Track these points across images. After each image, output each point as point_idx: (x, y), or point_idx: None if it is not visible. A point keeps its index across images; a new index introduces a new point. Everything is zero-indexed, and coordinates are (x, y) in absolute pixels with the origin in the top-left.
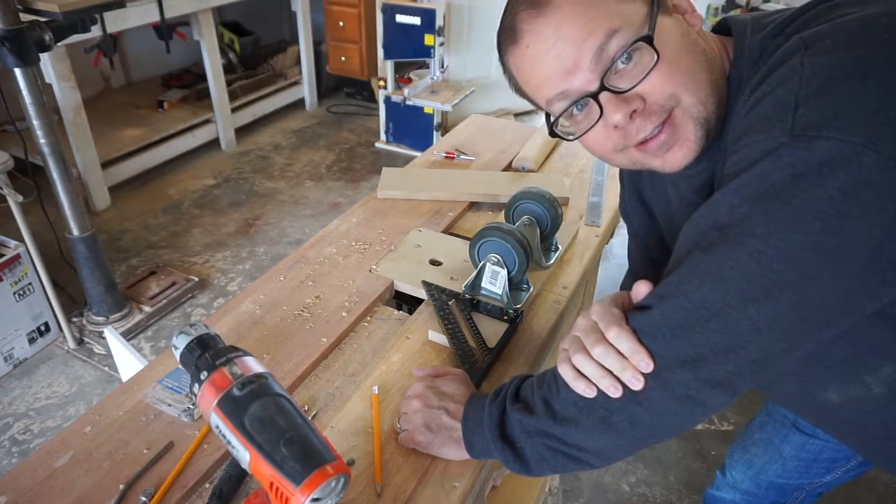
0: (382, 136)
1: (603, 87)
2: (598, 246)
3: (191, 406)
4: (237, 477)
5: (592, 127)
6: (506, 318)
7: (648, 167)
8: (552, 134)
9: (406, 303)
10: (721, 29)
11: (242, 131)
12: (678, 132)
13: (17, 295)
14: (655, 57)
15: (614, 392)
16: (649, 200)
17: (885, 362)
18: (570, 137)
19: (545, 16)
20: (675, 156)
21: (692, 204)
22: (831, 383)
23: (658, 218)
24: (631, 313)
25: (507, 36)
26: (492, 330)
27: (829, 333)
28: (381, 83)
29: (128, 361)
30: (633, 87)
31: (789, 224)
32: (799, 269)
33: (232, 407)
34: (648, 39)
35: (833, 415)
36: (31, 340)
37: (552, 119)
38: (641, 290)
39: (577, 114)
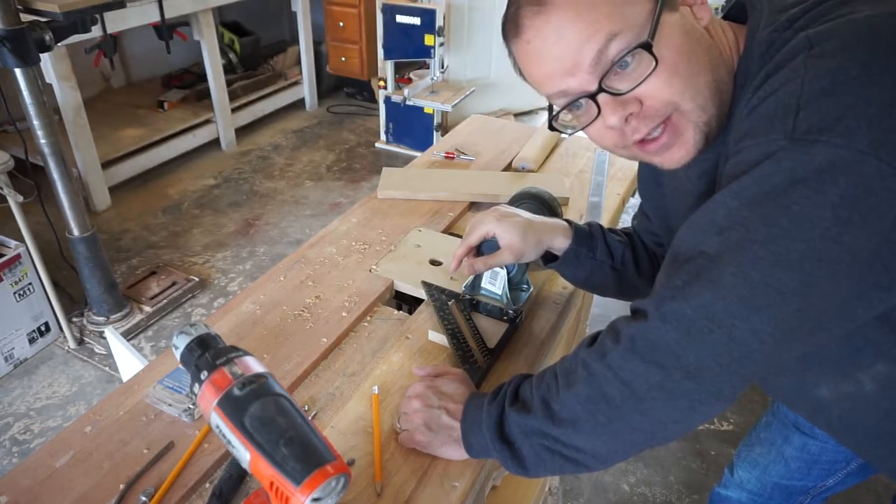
0: (382, 136)
1: (601, 89)
2: None
3: (191, 406)
4: (237, 477)
5: (591, 124)
6: (506, 318)
7: (649, 162)
8: (551, 127)
9: (406, 303)
10: (737, 13)
11: (242, 131)
12: (678, 136)
13: (17, 295)
14: (654, 63)
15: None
16: (662, 175)
17: (879, 360)
18: (569, 131)
19: (546, 14)
20: (674, 156)
21: (696, 185)
22: (824, 379)
23: (666, 195)
24: (628, 320)
25: (510, 27)
26: (492, 330)
27: (822, 338)
28: (381, 83)
29: (128, 361)
30: (631, 90)
31: (789, 230)
32: (800, 276)
33: (232, 407)
34: (647, 46)
35: (825, 411)
36: (32, 340)
37: (553, 113)
38: None
39: (576, 110)
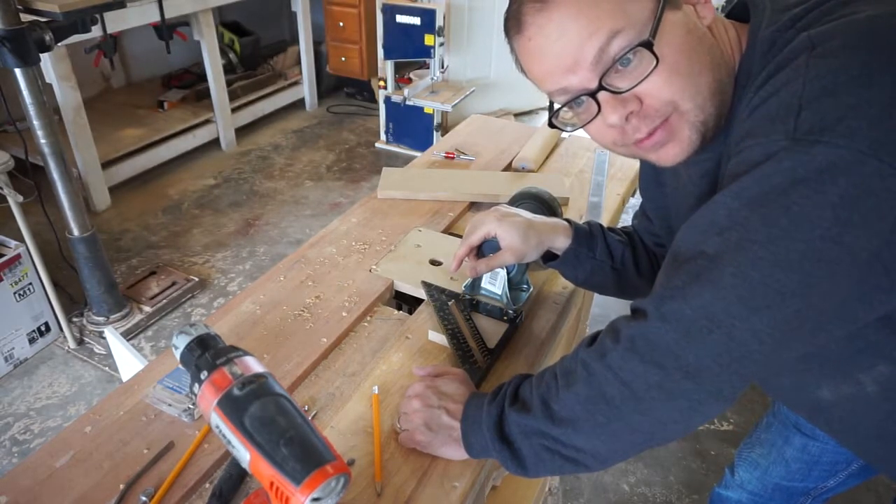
0: (382, 136)
1: (601, 87)
2: None
3: (191, 406)
4: (237, 477)
5: (591, 121)
6: (506, 318)
7: (646, 159)
8: (551, 125)
9: (406, 303)
10: (740, 11)
11: (242, 131)
12: (673, 134)
13: (17, 295)
14: (655, 62)
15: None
16: (664, 175)
17: (880, 362)
18: (569, 129)
19: (548, 11)
20: (668, 153)
21: (697, 186)
22: (825, 380)
23: (668, 195)
24: (628, 320)
25: (512, 24)
26: (492, 330)
27: (822, 339)
28: (381, 83)
29: (128, 361)
30: (631, 88)
31: (789, 230)
32: (800, 276)
33: (232, 407)
34: (648, 45)
35: (826, 412)
36: (32, 340)
37: (553, 110)
38: None
39: (576, 108)
